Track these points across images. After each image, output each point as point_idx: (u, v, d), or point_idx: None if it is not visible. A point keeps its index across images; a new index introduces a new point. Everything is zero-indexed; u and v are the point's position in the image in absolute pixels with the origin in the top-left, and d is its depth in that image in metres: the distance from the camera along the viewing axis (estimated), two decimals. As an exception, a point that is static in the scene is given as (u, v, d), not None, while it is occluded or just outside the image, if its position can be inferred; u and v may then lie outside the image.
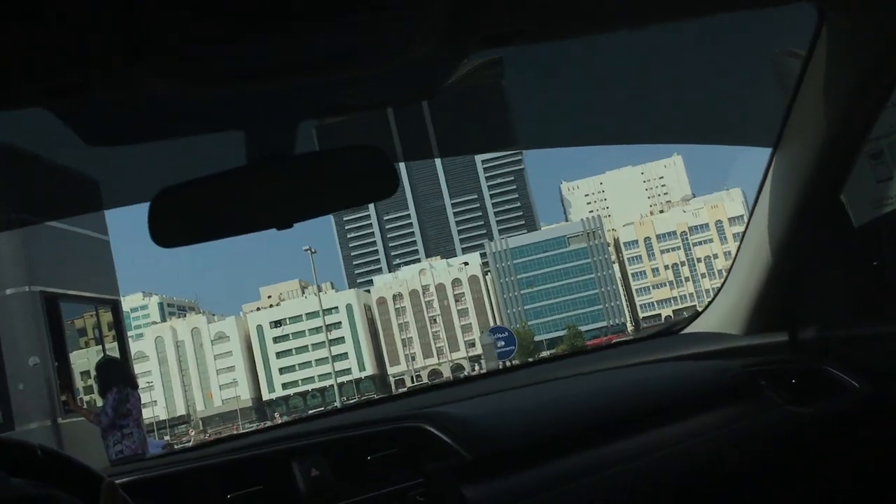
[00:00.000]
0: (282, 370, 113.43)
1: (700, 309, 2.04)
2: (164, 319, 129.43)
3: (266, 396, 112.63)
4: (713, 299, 1.97)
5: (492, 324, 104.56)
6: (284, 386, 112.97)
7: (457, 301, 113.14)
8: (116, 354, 10.87)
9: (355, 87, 1.26)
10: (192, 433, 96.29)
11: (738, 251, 1.88)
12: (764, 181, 1.72)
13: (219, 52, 0.93)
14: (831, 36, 1.44)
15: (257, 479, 1.40)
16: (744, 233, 1.85)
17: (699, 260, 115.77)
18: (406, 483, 1.41)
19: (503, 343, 18.43)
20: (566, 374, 1.92)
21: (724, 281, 1.93)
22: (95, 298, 10.21)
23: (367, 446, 1.48)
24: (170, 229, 1.18)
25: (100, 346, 10.54)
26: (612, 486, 1.47)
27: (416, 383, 73.49)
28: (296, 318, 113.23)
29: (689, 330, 1.98)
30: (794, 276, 1.75)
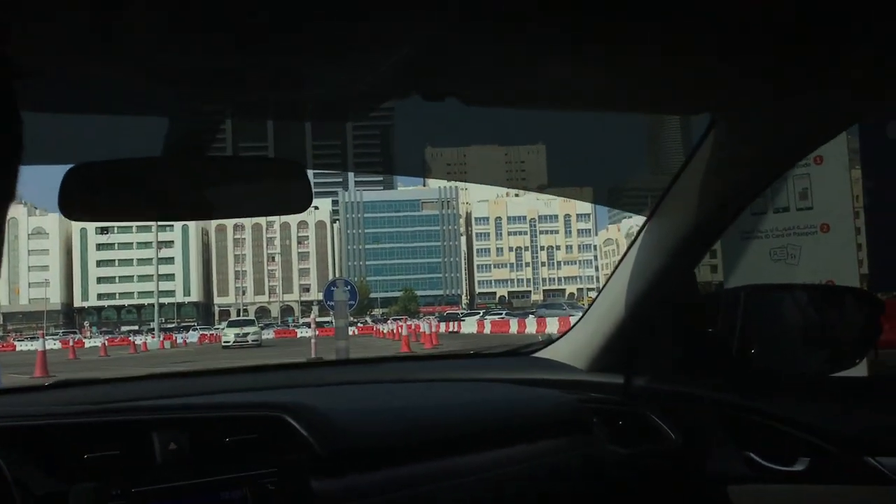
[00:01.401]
0: (100, 279, 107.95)
1: (554, 336, 2.21)
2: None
3: (78, 303, 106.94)
4: (568, 331, 2.15)
5: (331, 272, 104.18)
6: (100, 296, 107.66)
7: (300, 244, 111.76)
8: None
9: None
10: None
11: (599, 293, 2.05)
12: (634, 241, 1.91)
13: (164, 52, 0.94)
14: (717, 137, 1.63)
15: (115, 443, 1.41)
16: (608, 279, 2.02)
17: (542, 248, 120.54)
18: (260, 470, 1.47)
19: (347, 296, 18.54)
20: (423, 376, 2.03)
21: (581, 317, 2.11)
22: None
23: (227, 428, 1.52)
24: (78, 204, 1.18)
25: None
26: (449, 497, 1.59)
27: (241, 317, 71.93)
28: (125, 229, 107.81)
29: (540, 354, 2.14)
30: (640, 328, 1.94)
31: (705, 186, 1.70)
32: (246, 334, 40.04)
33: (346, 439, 1.57)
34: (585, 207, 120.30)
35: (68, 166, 1.12)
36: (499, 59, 1.12)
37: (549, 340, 2.18)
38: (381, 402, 1.81)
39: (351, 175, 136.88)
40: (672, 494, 1.82)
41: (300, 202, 1.29)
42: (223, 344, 39.18)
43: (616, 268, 1.96)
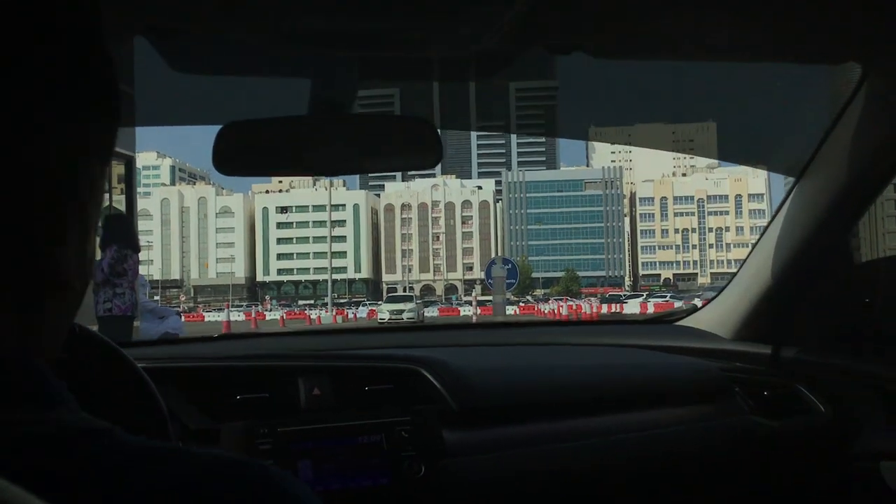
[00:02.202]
0: (279, 256, 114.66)
1: (699, 304, 2.16)
2: (173, 183, 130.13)
3: (260, 278, 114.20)
4: (713, 298, 2.08)
5: (493, 252, 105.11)
6: (279, 272, 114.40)
7: (463, 223, 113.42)
8: (122, 209, 11.02)
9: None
10: (183, 298, 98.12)
11: (745, 260, 1.98)
12: (782, 205, 1.81)
13: (303, 19, 1.01)
14: (870, 91, 1.51)
15: (264, 387, 1.54)
16: (754, 245, 1.94)
17: (710, 230, 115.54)
18: (395, 418, 1.54)
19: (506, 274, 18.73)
20: (560, 340, 2.05)
21: (727, 285, 2.04)
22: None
23: (367, 377, 1.61)
24: (232, 160, 1.29)
25: (106, 196, 10.63)
26: (575, 457, 1.61)
27: (406, 293, 73.62)
28: (302, 208, 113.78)
29: (683, 323, 2.09)
30: (789, 297, 1.85)
31: (858, 143, 1.58)
32: (401, 311, 39.38)
33: (478, 395, 1.62)
34: (759, 187, 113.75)
35: (217, 128, 1.23)
36: (627, 9, 1.11)
37: (693, 309, 2.13)
38: (516, 362, 1.85)
39: (514, 156, 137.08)
40: (819, 470, 1.73)
41: (430, 160, 1.34)
42: (378, 320, 38.19)
43: (763, 232, 1.88)
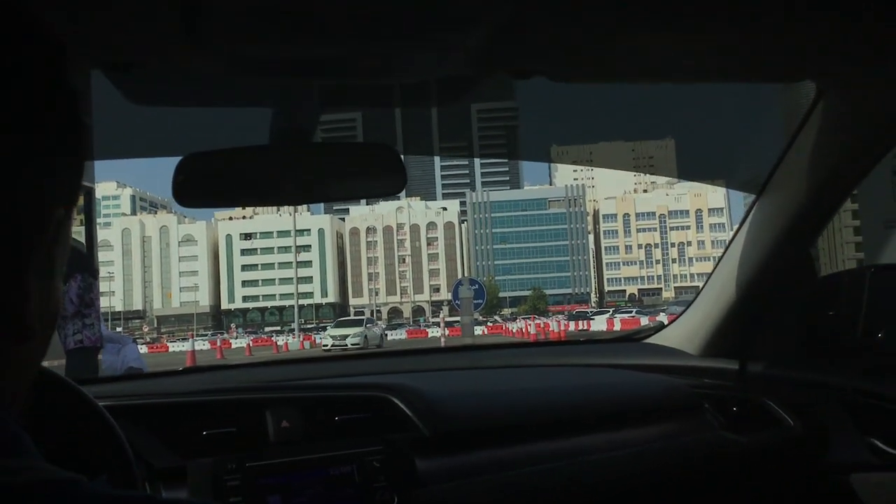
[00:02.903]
0: (245, 283, 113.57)
1: (665, 321, 2.17)
2: (134, 213, 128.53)
3: (225, 305, 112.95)
4: (680, 315, 2.10)
5: (460, 272, 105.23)
6: (245, 299, 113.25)
7: (429, 245, 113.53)
8: (82, 240, 10.83)
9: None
10: (146, 329, 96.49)
11: (709, 276, 1.99)
12: (743, 221, 1.84)
13: (264, 48, 1.00)
14: (826, 109, 1.54)
15: (231, 421, 1.51)
16: (718, 261, 1.96)
17: (673, 245, 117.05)
18: (366, 448, 1.52)
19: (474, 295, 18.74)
20: (530, 362, 2.04)
21: (693, 300, 2.05)
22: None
23: (336, 407, 1.59)
24: (192, 191, 1.27)
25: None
26: (549, 479, 1.60)
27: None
28: (267, 234, 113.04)
29: (650, 340, 2.10)
30: (755, 312, 1.87)
31: (816, 159, 1.61)
32: (344, 337, 34.52)
33: (450, 421, 1.60)
34: (718, 201, 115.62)
35: (177, 159, 1.21)
36: (583, 33, 1.12)
37: (661, 326, 2.14)
38: (487, 385, 1.84)
39: (478, 176, 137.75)
40: (790, 483, 1.74)
41: (395, 185, 1.34)
42: (322, 347, 34.45)
43: (726, 249, 1.90)
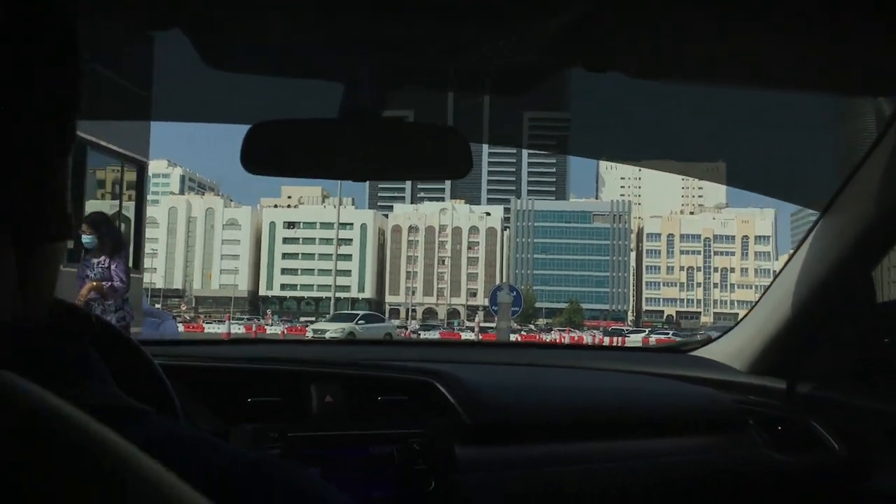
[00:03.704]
0: (283, 271, 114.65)
1: (713, 335, 2.14)
2: (182, 192, 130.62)
3: (262, 292, 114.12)
4: (728, 330, 2.07)
5: (498, 279, 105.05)
6: (283, 287, 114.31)
7: (469, 249, 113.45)
8: (131, 215, 10.98)
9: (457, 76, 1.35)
10: (184, 308, 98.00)
11: (764, 293, 1.96)
12: (804, 239, 1.81)
13: (342, 21, 1.01)
14: None
15: (276, 391, 1.53)
16: (774, 279, 1.93)
17: (716, 269, 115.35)
18: (407, 430, 1.53)
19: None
20: (572, 363, 2.04)
21: (744, 316, 2.03)
22: (123, 155, 10.24)
23: (380, 387, 1.60)
24: (260, 159, 1.29)
25: (116, 202, 10.60)
26: (586, 480, 1.59)
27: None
28: (310, 224, 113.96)
29: (697, 353, 2.08)
30: (808, 332, 1.84)
31: (888, 181, 1.58)
32: (324, 332, 32.09)
33: (492, 411, 1.60)
34: (766, 229, 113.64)
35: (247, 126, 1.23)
36: (666, 29, 1.11)
37: (708, 340, 2.12)
38: (530, 381, 1.83)
39: (524, 184, 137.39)
40: None
41: (460, 169, 1.34)
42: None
43: (784, 266, 1.87)
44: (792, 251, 1.88)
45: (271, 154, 1.30)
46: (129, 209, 10.81)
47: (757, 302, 1.98)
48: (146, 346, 0.69)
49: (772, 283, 1.93)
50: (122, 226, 10.21)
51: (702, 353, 2.07)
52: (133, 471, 0.28)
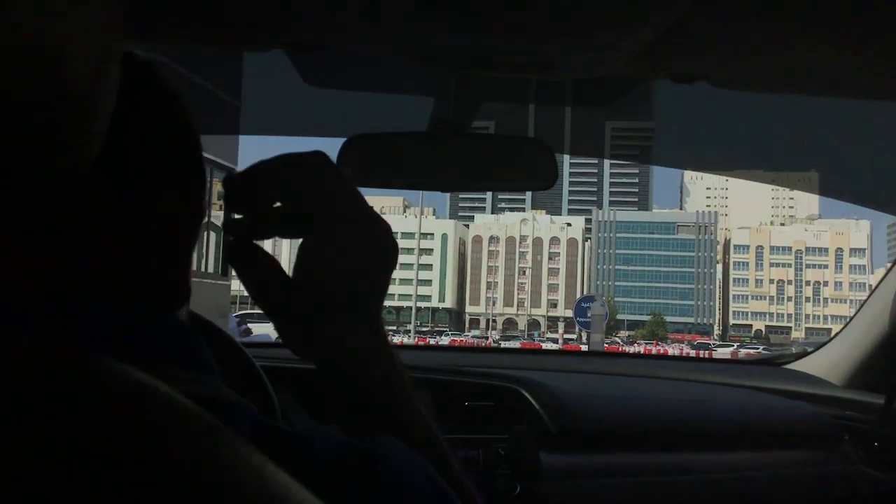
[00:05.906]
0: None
1: (810, 349, 2.09)
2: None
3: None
4: (824, 344, 2.02)
5: (579, 290, 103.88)
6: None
7: (550, 259, 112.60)
8: (219, 225, 11.26)
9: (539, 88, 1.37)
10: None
11: (861, 306, 1.91)
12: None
13: (436, 38, 1.04)
14: None
15: None
16: (872, 291, 1.87)
17: (808, 283, 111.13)
18: (493, 435, 1.55)
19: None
20: (662, 374, 2.02)
21: (841, 330, 1.97)
22: (213, 162, 10.62)
23: (466, 393, 1.63)
24: (355, 171, 1.34)
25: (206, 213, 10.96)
26: (675, 492, 1.57)
27: (490, 327, 71.35)
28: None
29: (792, 367, 2.03)
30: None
31: None
32: None
33: (577, 419, 1.61)
34: (861, 241, 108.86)
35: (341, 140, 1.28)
36: (755, 39, 1.10)
37: (803, 353, 2.06)
38: (616, 391, 1.83)
39: (606, 195, 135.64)
40: None
41: (546, 181, 1.36)
42: None
43: (882, 279, 1.81)
44: (889, 264, 1.81)
45: (365, 166, 1.35)
46: (218, 219, 11.13)
47: (854, 316, 1.93)
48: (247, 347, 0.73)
49: (869, 296, 1.87)
50: (211, 234, 10.55)
51: (796, 366, 2.02)
52: (244, 460, 0.29)
